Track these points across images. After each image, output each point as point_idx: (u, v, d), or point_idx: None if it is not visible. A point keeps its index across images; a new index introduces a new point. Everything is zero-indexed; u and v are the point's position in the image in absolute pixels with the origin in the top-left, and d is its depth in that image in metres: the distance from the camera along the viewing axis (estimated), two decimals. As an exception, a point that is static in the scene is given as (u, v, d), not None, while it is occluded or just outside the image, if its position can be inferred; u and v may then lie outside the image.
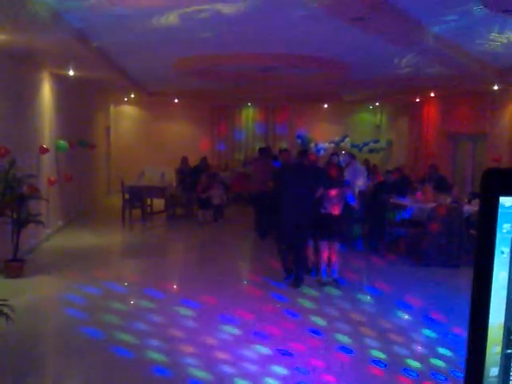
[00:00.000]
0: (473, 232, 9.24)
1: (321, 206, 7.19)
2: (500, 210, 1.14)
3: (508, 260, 1.16)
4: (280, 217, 7.34)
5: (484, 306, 1.15)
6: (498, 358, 1.20)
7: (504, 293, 1.17)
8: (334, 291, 7.17)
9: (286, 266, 7.49)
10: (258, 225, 10.75)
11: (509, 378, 1.22)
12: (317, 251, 7.82)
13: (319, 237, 7.44)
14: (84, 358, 5.07)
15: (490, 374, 1.20)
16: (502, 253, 1.16)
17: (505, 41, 6.64)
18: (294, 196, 7.08)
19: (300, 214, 7.11)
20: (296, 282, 7.29)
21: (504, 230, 1.15)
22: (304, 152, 8.00)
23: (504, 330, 1.19)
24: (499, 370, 1.21)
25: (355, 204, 7.55)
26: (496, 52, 7.36)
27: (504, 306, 1.18)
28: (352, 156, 10.93)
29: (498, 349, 1.20)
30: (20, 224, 7.51)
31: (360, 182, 9.95)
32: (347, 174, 9.35)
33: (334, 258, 7.39)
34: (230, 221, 13.07)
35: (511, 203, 1.15)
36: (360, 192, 9.95)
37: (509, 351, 1.21)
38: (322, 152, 17.41)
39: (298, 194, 7.07)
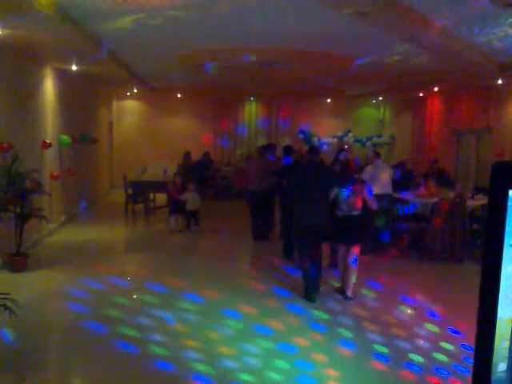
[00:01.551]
0: (476, 227, 9.23)
1: (337, 208, 6.78)
2: (509, 204, 1.12)
3: (517, 254, 1.15)
4: (296, 219, 6.82)
5: (492, 300, 1.14)
6: (506, 352, 1.19)
7: (513, 287, 1.16)
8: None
9: (311, 281, 6.72)
10: (253, 226, 10.43)
11: (517, 373, 1.21)
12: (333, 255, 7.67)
13: (337, 241, 7.04)
14: (87, 352, 5.08)
15: (499, 370, 1.18)
16: (511, 246, 1.14)
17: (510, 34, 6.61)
18: (311, 196, 6.64)
19: (317, 215, 6.64)
20: (308, 291, 6.68)
21: (513, 224, 1.14)
22: (315, 149, 7.43)
23: (512, 324, 1.18)
24: (507, 365, 1.19)
25: (371, 199, 6.93)
26: (500, 46, 7.32)
27: (512, 301, 1.16)
28: (376, 153, 9.88)
29: (507, 344, 1.18)
30: (23, 219, 7.52)
31: (384, 181, 9.07)
32: (370, 173, 8.92)
33: (352, 267, 6.73)
34: (205, 229, 11.20)
35: (521, 196, 1.13)
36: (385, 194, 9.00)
37: (517, 346, 1.20)
38: (325, 147, 17.37)
39: (315, 194, 6.63)
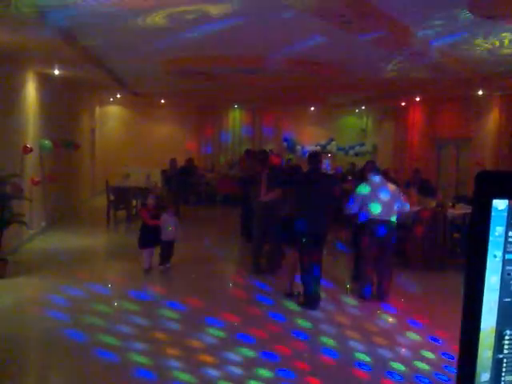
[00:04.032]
0: (456, 235, 9.32)
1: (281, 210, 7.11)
2: (493, 213, 1.13)
3: (500, 264, 1.15)
4: (303, 229, 6.66)
5: (476, 310, 1.14)
6: (489, 362, 1.19)
7: (496, 297, 1.16)
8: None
9: (313, 291, 6.72)
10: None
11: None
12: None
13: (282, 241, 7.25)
14: (66, 360, 5.00)
15: (482, 380, 1.19)
16: (495, 256, 1.15)
17: (489, 46, 6.70)
18: (316, 205, 6.60)
19: (323, 224, 6.70)
20: (313, 299, 6.68)
21: (497, 234, 1.14)
22: (317, 156, 7.02)
23: (495, 334, 1.18)
24: (490, 375, 1.20)
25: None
26: (481, 57, 7.43)
27: (496, 311, 1.17)
28: (371, 166, 7.61)
29: (490, 353, 1.19)
30: (3, 224, 7.41)
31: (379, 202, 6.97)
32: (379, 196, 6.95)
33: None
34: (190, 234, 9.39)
35: (504, 206, 1.14)
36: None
37: (500, 356, 1.20)
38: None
39: (320, 203, 6.63)
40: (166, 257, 8.28)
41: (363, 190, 6.98)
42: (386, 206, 6.87)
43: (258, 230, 8.35)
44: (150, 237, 8.13)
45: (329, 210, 6.82)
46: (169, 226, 8.14)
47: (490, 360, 1.19)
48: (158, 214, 8.29)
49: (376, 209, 6.85)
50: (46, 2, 5.20)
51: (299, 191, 6.84)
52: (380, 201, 6.88)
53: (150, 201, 8.45)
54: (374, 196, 6.89)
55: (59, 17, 5.89)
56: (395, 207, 6.96)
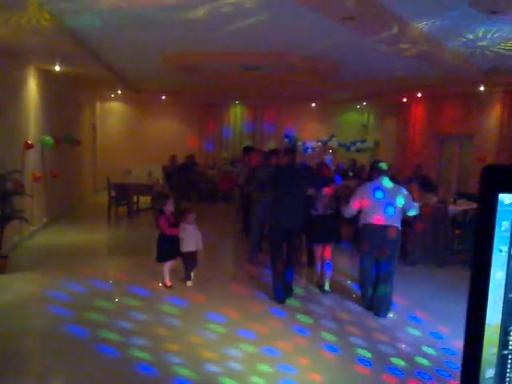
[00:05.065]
0: (458, 232, 9.30)
1: (312, 208, 7.00)
2: (499, 208, 1.12)
3: (506, 259, 1.14)
4: (276, 222, 6.72)
5: (481, 306, 1.13)
6: (494, 358, 1.18)
7: (501, 292, 1.15)
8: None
9: (280, 283, 6.72)
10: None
11: (505, 380, 1.20)
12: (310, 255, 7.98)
13: (314, 240, 7.28)
14: (68, 356, 5.00)
15: (487, 376, 1.17)
16: (501, 251, 1.13)
17: (490, 41, 6.68)
18: (290, 198, 6.63)
19: (295, 217, 6.69)
20: (288, 291, 6.85)
21: (503, 228, 1.13)
22: (291, 150, 7.31)
23: (500, 330, 1.17)
24: (495, 371, 1.19)
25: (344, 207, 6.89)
26: (482, 53, 7.40)
27: (501, 307, 1.15)
28: (375, 167, 6.70)
29: (495, 350, 1.18)
30: (4, 220, 7.41)
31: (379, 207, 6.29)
32: (359, 193, 6.45)
33: (328, 261, 7.14)
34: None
35: (511, 200, 1.12)
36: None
37: (505, 352, 1.19)
38: (309, 151, 17.43)
39: (294, 196, 6.64)
40: (189, 270, 7.38)
41: (376, 192, 6.31)
42: (395, 211, 6.30)
43: (256, 226, 8.55)
44: (169, 248, 7.22)
45: (303, 204, 6.80)
46: (190, 236, 7.24)
47: (495, 356, 1.18)
48: (177, 222, 7.31)
49: (388, 212, 6.23)
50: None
51: (273, 186, 6.92)
52: (390, 204, 6.24)
53: (169, 207, 7.31)
54: (384, 199, 6.26)
55: (62, 13, 5.87)
56: (407, 211, 6.44)
